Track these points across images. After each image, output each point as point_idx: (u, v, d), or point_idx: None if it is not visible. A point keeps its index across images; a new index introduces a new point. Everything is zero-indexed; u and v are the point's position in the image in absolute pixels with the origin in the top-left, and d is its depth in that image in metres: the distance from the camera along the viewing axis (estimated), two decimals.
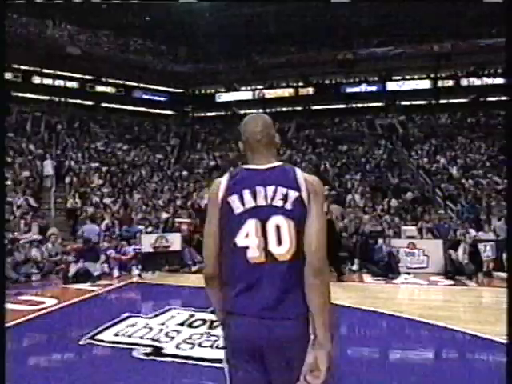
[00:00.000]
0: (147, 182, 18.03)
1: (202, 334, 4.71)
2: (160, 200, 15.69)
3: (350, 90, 27.37)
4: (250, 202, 1.59)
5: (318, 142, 22.49)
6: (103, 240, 9.23)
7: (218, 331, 4.33)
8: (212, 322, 5.09)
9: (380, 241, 8.81)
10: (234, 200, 1.60)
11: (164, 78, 29.90)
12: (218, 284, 1.67)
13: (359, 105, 27.82)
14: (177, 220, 10.84)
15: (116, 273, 8.11)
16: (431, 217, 11.42)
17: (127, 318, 5.45)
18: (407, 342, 4.73)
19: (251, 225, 1.57)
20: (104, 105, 27.78)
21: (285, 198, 1.58)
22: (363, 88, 27.11)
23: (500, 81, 25.82)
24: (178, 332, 4.83)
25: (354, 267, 8.88)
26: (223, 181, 1.67)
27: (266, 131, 1.73)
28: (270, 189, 1.59)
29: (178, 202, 14.94)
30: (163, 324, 5.18)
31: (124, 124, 27.06)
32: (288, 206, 1.57)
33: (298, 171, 1.66)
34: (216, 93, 30.50)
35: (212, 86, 30.75)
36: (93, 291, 7.21)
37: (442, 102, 26.38)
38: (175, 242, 8.40)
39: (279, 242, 1.56)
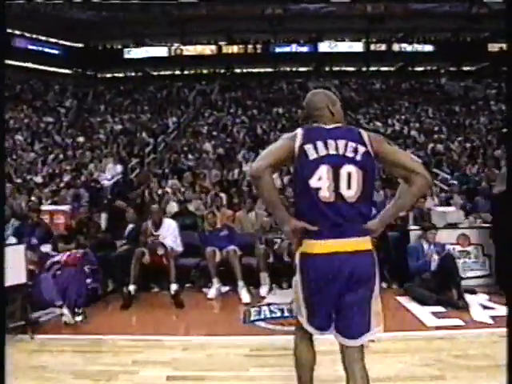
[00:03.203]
0: (23, 150, 12.11)
1: None
2: (39, 175, 10.14)
3: (279, 49, 23.07)
4: (322, 151, 1.69)
5: (248, 104, 18.04)
6: None
7: None
8: None
9: (413, 234, 4.83)
10: (309, 148, 1.70)
11: (58, 26, 22.75)
12: (271, 178, 1.69)
13: (288, 68, 23.81)
14: (46, 208, 5.65)
15: None
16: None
17: None
18: None
19: (323, 170, 1.68)
20: None
21: (355, 150, 1.69)
22: (294, 48, 22.97)
23: (429, 48, 23.62)
24: None
25: None
26: (299, 132, 1.75)
27: (324, 101, 1.85)
28: (341, 142, 1.71)
29: (66, 178, 9.55)
30: None
31: None
32: (358, 157, 1.69)
33: (361, 130, 1.79)
34: (124, 48, 24.12)
35: (119, 41, 24.31)
36: None
37: (374, 67, 23.49)
38: (13, 266, 3.36)
39: (348, 187, 1.67)
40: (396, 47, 23.27)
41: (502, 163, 10.28)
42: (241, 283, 4.39)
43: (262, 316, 3.88)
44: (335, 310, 1.71)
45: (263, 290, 4.47)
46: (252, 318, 3.83)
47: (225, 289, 4.75)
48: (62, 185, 8.84)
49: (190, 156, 11.30)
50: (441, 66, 23.47)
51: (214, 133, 13.89)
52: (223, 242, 4.83)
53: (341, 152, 1.68)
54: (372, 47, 23.20)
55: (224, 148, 11.99)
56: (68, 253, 4.17)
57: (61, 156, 11.72)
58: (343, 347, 1.75)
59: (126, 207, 5.50)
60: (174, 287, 4.26)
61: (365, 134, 1.75)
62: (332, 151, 1.68)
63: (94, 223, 5.03)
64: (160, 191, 7.71)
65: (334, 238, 1.66)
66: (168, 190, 7.94)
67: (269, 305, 4.13)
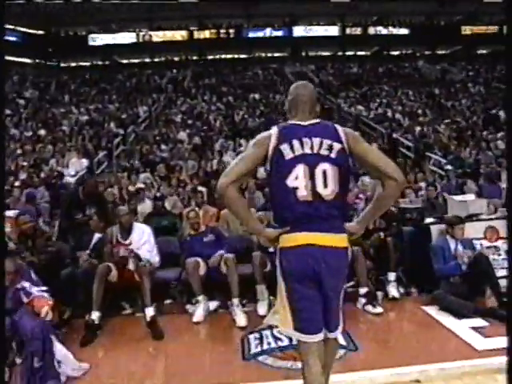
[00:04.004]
0: None
1: None
2: None
3: (252, 34, 21.90)
4: (298, 150, 1.67)
5: (223, 91, 16.93)
6: None
7: None
8: None
9: (434, 229, 4.02)
10: (284, 148, 1.67)
11: (15, 11, 20.68)
12: (236, 191, 1.66)
13: (262, 53, 22.73)
14: None
15: None
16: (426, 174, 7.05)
17: None
18: None
19: (300, 169, 1.66)
20: None
21: (330, 148, 1.67)
22: (268, 33, 21.87)
23: (405, 31, 23.01)
24: None
25: (392, 290, 3.83)
26: (274, 132, 1.72)
27: (311, 96, 1.83)
28: (316, 140, 1.69)
29: (23, 176, 8.31)
30: None
31: None
32: (333, 155, 1.67)
33: (338, 126, 1.75)
34: (89, 35, 22.33)
35: (83, 27, 22.48)
36: None
37: (350, 51, 22.75)
38: None
39: (325, 185, 1.66)
40: (371, 30, 22.54)
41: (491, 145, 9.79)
42: (236, 301, 3.48)
43: (266, 346, 2.99)
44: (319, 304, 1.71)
45: (261, 308, 3.58)
46: (253, 351, 2.94)
47: (213, 305, 3.84)
48: (17, 184, 7.63)
49: (163, 146, 10.22)
50: (416, 49, 23.00)
51: (189, 121, 12.80)
52: (208, 249, 3.89)
53: (315, 150, 1.67)
54: (347, 31, 22.37)
55: (200, 137, 10.95)
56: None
57: (18, 151, 10.37)
58: (324, 341, 1.74)
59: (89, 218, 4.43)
60: (149, 312, 3.31)
61: (341, 131, 1.73)
62: (307, 150, 1.67)
63: (42, 233, 3.94)
64: (131, 187, 6.66)
65: (311, 231, 1.65)
66: (140, 185, 6.88)
67: (271, 328, 3.23)
